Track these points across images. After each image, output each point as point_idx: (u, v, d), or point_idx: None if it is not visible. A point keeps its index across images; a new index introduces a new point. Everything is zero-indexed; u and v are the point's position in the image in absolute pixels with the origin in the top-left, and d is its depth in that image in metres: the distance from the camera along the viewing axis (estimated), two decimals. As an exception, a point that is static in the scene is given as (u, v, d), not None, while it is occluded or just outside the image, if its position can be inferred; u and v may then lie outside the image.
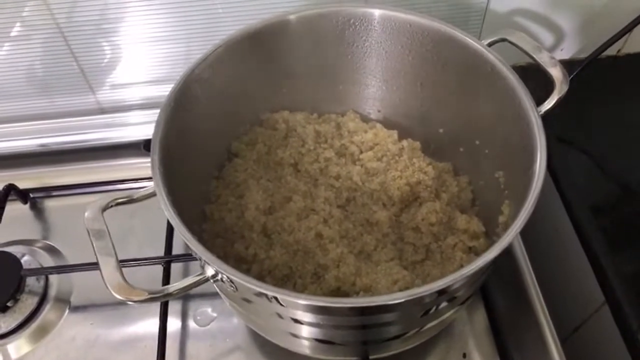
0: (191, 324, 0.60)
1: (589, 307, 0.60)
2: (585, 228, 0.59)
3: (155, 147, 0.45)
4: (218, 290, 0.52)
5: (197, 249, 0.39)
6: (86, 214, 0.43)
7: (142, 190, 0.46)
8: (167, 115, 0.47)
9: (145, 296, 0.40)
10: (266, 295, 0.40)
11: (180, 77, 0.50)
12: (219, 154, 0.59)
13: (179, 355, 0.58)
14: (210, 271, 0.41)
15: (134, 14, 0.65)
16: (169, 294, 0.41)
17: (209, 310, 0.61)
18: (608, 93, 0.73)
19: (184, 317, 0.61)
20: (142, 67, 0.71)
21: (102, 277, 0.40)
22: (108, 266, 0.41)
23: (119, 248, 0.62)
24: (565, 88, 0.49)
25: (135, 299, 0.40)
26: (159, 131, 0.46)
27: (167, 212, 0.41)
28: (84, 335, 0.60)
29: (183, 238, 0.40)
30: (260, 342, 0.58)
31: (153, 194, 0.44)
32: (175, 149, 0.48)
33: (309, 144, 0.60)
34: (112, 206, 0.45)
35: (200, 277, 0.42)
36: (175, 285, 0.41)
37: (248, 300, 0.44)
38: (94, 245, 0.42)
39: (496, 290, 0.61)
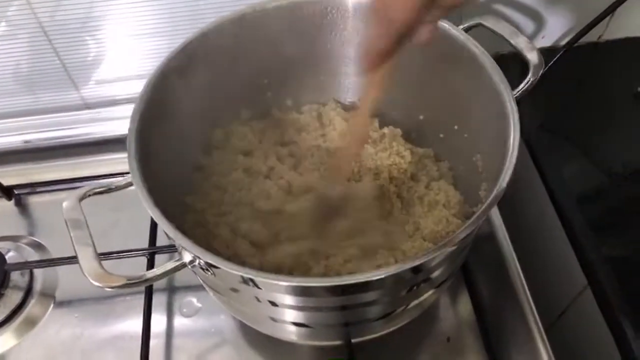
0: (176, 315, 0.61)
1: (573, 291, 0.60)
2: (567, 214, 0.60)
3: (131, 137, 0.45)
4: (200, 280, 0.52)
5: (171, 232, 0.40)
6: (64, 204, 0.44)
7: (119, 179, 0.46)
8: (143, 106, 0.48)
9: (123, 282, 0.40)
10: (244, 280, 0.40)
11: (156, 68, 0.50)
12: (199, 145, 0.59)
13: (165, 346, 0.59)
14: (187, 257, 0.41)
15: (116, 10, 0.65)
16: (147, 279, 0.41)
17: (194, 300, 0.61)
18: (590, 80, 0.73)
19: (169, 308, 0.61)
20: (125, 62, 0.72)
21: (80, 265, 0.40)
22: (86, 255, 0.41)
23: (103, 241, 0.63)
24: (540, 71, 0.50)
25: (114, 284, 0.40)
26: (135, 121, 0.46)
27: (144, 200, 0.42)
28: (69, 329, 0.60)
29: (159, 224, 0.41)
30: (246, 331, 0.58)
31: (130, 184, 0.44)
32: (153, 140, 0.48)
33: (290, 133, 0.61)
34: (89, 195, 0.45)
35: (178, 262, 0.42)
36: (153, 271, 0.41)
37: (231, 288, 0.45)
38: (72, 234, 0.42)
39: (480, 275, 0.62)
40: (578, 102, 0.70)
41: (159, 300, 0.61)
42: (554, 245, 0.62)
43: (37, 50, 0.68)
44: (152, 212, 0.41)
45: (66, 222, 0.43)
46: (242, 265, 0.39)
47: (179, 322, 0.60)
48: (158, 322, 0.60)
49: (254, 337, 0.58)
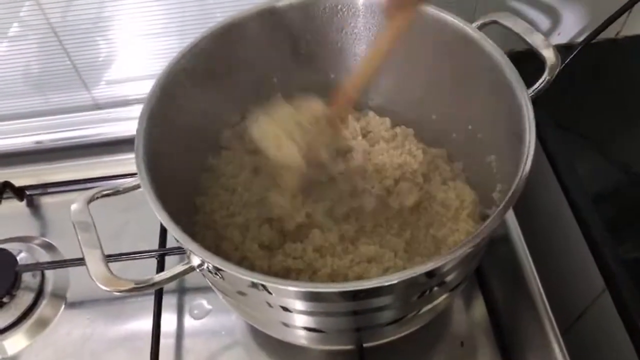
0: (187, 317, 0.60)
1: (590, 294, 0.59)
2: (584, 214, 0.58)
3: (139, 138, 0.45)
4: (210, 283, 0.51)
5: (179, 235, 0.39)
6: (72, 206, 0.43)
7: (128, 181, 0.46)
8: (152, 106, 0.47)
9: (131, 286, 0.39)
10: (254, 284, 0.40)
11: (165, 68, 0.50)
12: (208, 146, 0.59)
13: (175, 348, 0.58)
14: (196, 260, 0.41)
15: (126, 10, 0.65)
16: (155, 283, 0.40)
17: (205, 303, 0.61)
18: (607, 76, 0.72)
19: (179, 310, 0.61)
20: (135, 62, 0.71)
21: (87, 268, 0.40)
22: (93, 258, 0.40)
23: (114, 242, 0.64)
24: (556, 69, 0.48)
25: (121, 289, 0.40)
26: (144, 122, 0.46)
27: (151, 202, 0.41)
28: (80, 330, 0.60)
29: (167, 227, 0.40)
30: (256, 333, 0.58)
31: (138, 186, 0.44)
32: (162, 141, 0.48)
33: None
34: (97, 198, 0.44)
35: (187, 266, 0.41)
36: (161, 275, 0.41)
37: (240, 292, 0.44)
38: (79, 237, 0.41)
39: (494, 278, 0.60)
40: (595, 100, 0.69)
41: (169, 301, 0.61)
42: (570, 246, 0.60)
43: (48, 51, 0.68)
44: (159, 215, 0.40)
45: (74, 225, 0.42)
46: (250, 269, 0.39)
47: (189, 323, 0.60)
48: (168, 323, 0.59)
49: (264, 339, 0.57)
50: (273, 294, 0.41)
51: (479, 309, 0.59)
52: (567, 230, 0.60)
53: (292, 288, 0.39)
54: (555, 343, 0.54)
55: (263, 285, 0.39)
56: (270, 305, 0.43)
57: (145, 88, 0.73)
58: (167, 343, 0.58)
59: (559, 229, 0.63)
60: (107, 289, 0.39)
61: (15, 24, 0.66)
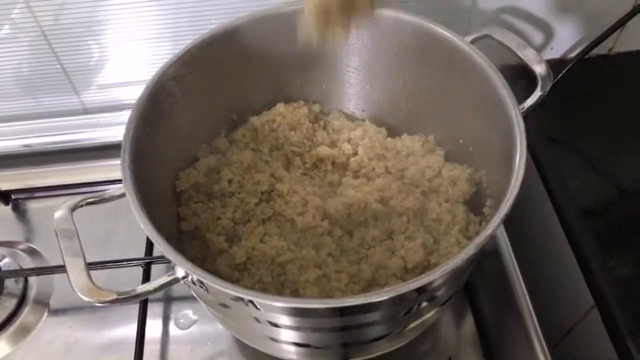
0: (172, 327, 0.59)
1: (579, 311, 0.59)
2: (575, 230, 0.58)
3: (126, 146, 0.44)
4: (195, 295, 0.51)
5: (163, 246, 0.39)
6: (56, 214, 0.42)
7: (112, 190, 0.45)
8: (139, 114, 0.47)
9: (113, 297, 0.39)
10: (239, 299, 0.39)
11: (153, 76, 0.49)
12: (198, 153, 0.58)
13: (160, 358, 0.57)
14: (180, 272, 0.40)
15: (118, 15, 0.64)
16: (138, 295, 0.40)
17: (190, 313, 0.60)
18: (600, 92, 0.71)
19: (165, 320, 0.60)
20: (126, 67, 0.71)
21: (69, 278, 0.39)
22: (75, 267, 0.40)
23: (101, 249, 0.63)
24: (548, 85, 0.48)
25: (104, 299, 0.39)
26: (131, 129, 0.45)
27: (135, 212, 0.40)
28: (63, 338, 0.59)
29: (151, 238, 0.39)
30: (242, 345, 0.57)
31: (124, 194, 0.43)
32: (149, 148, 0.47)
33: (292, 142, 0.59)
34: (81, 206, 0.44)
35: (171, 277, 0.41)
36: (144, 287, 0.40)
37: (224, 305, 0.43)
38: (62, 245, 0.41)
39: (483, 293, 0.60)
40: (588, 116, 0.68)
41: (154, 311, 0.60)
42: (560, 261, 0.60)
43: (37, 54, 0.67)
44: (143, 225, 0.40)
45: (56, 233, 0.41)
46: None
47: (174, 333, 0.59)
48: (153, 332, 0.59)
49: (250, 351, 0.57)
50: (260, 309, 0.40)
51: (468, 323, 0.58)
52: (557, 245, 0.60)
53: (279, 304, 0.39)
54: (543, 358, 0.54)
55: (251, 301, 0.39)
56: (257, 321, 0.43)
57: (135, 94, 0.73)
58: (151, 352, 0.57)
59: (549, 244, 0.62)
60: (89, 300, 0.39)
61: (7, 26, 0.65)
